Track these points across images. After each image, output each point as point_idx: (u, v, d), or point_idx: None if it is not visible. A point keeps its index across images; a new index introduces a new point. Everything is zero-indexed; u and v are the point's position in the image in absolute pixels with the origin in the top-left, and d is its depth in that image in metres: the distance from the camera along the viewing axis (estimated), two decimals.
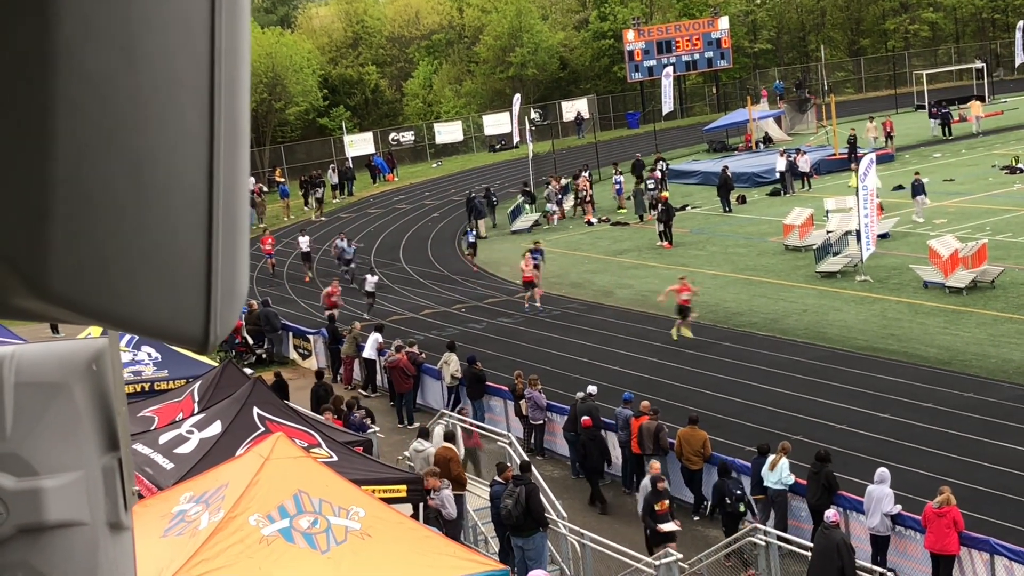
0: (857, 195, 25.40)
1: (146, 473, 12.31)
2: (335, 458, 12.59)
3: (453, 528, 13.97)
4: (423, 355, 21.34)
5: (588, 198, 38.00)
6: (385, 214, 44.37)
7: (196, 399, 14.77)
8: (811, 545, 12.55)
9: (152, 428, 13.90)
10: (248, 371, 17.06)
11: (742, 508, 14.27)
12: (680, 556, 12.78)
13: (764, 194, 37.89)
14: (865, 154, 28.41)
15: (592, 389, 17.51)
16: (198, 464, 12.19)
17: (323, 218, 43.89)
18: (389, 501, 11.54)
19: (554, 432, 18.18)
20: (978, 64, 52.99)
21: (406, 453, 16.30)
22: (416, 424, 19.19)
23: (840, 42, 68.51)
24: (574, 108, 60.42)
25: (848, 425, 17.25)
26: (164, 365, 18.15)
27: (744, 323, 23.77)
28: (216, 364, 16.59)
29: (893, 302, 23.71)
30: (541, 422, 18.25)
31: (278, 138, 59.31)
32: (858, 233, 25.53)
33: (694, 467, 15.57)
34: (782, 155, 38.57)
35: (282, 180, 47.73)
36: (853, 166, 35.83)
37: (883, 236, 27.83)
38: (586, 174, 39.50)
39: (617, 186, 39.02)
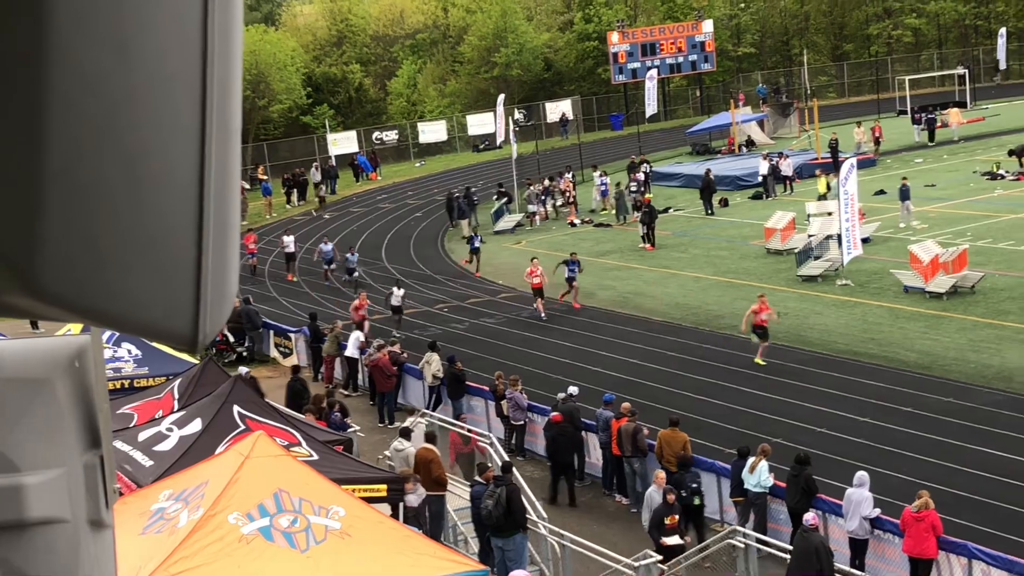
0: (839, 199, 25.54)
1: (125, 470, 12.25)
2: (315, 457, 12.58)
3: (434, 528, 13.97)
4: (405, 354, 21.32)
5: (572, 199, 38.10)
6: (368, 213, 44.34)
7: (176, 396, 14.73)
8: (790, 547, 12.62)
9: (131, 425, 13.84)
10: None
11: (696, 501, 14.37)
12: (660, 557, 12.82)
13: (746, 197, 38.07)
14: (847, 158, 28.56)
15: (573, 390, 17.55)
16: (178, 462, 12.17)
17: (326, 215, 43.87)
18: (369, 500, 11.56)
19: (535, 433, 18.20)
20: (960, 70, 53.40)
21: (386, 452, 16.28)
22: (397, 423, 19.16)
23: (823, 47, 68.94)
24: (558, 109, 60.52)
25: (828, 428, 17.35)
26: (144, 362, 18.07)
27: (726, 326, 23.86)
28: (197, 362, 16.51)
29: (873, 306, 23.86)
30: (522, 423, 18.26)
31: (261, 135, 59.11)
32: (839, 237, 25.68)
33: (674, 469, 15.61)
34: (765, 158, 38.78)
35: (265, 178, 47.66)
36: (818, 172, 36.16)
37: (864, 240, 28.00)
38: (569, 175, 39.54)
39: (603, 188, 39.10)
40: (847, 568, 12.57)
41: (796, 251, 27.90)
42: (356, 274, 31.20)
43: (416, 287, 30.74)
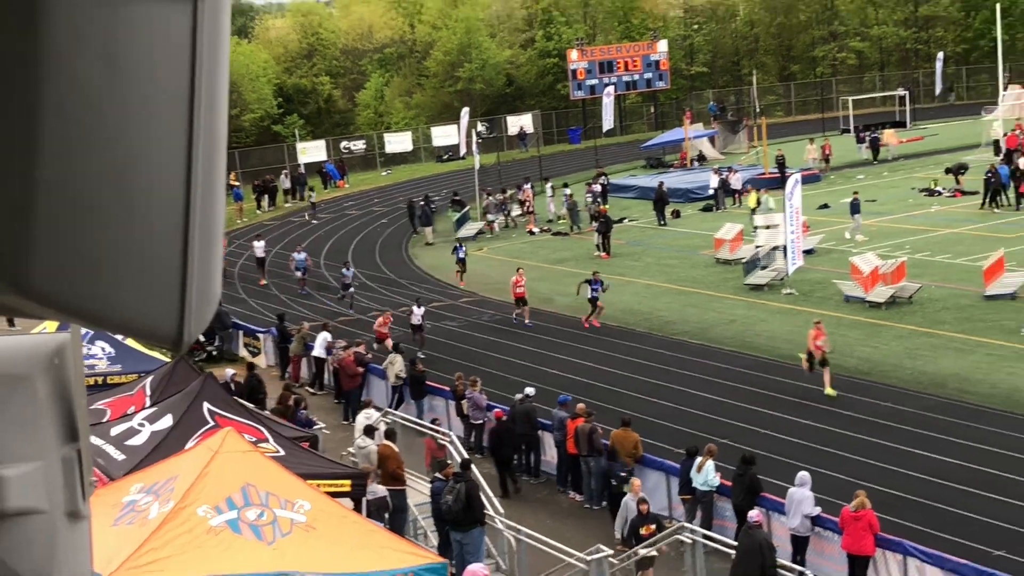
0: (784, 212, 26.41)
1: (98, 464, 12.33)
2: (282, 453, 12.72)
3: (395, 522, 14.35)
4: (370, 355, 21.84)
5: (530, 209, 38.84)
6: (335, 219, 44.77)
7: (148, 393, 14.85)
8: (735, 544, 12.90)
9: (104, 420, 13.92)
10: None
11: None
12: (611, 552, 13.11)
13: (697, 209, 38.93)
14: (792, 173, 29.50)
15: (530, 391, 18.06)
16: (149, 456, 12.29)
17: (314, 220, 44.10)
18: (334, 495, 11.71)
19: None
20: (901, 91, 55.05)
21: (350, 449, 16.65)
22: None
23: (772, 67, 70.59)
24: (518, 123, 61.48)
25: (772, 430, 17.87)
26: (118, 360, 18.17)
27: (676, 331, 24.54)
28: (169, 360, 16.73)
29: (816, 314, 24.67)
30: (481, 422, 18.69)
31: (233, 143, 59.35)
32: (785, 248, 26.53)
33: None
34: (715, 173, 39.86)
35: (236, 184, 48.01)
36: (749, 187, 37.30)
37: (808, 252, 28.89)
38: (528, 186, 40.24)
39: (564, 200, 39.73)
40: (789, 564, 12.85)
41: (744, 261, 28.68)
42: (352, 289, 29.10)
43: (380, 291, 31.24)
